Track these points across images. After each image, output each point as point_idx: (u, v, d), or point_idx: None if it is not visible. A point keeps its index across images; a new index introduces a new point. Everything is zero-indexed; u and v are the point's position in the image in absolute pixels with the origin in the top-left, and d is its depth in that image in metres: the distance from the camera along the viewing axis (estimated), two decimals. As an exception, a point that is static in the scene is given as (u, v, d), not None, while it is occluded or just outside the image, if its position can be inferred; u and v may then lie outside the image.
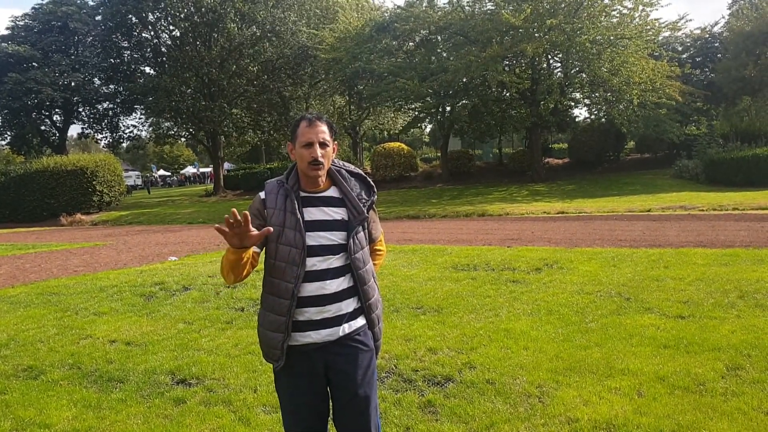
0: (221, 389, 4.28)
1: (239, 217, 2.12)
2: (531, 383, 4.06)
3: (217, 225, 2.15)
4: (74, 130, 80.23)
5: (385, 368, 4.50)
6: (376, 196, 2.50)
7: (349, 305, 2.40)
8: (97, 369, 4.87)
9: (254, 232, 2.18)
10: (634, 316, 5.52)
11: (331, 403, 2.45)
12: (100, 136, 41.40)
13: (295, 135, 2.38)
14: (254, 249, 2.34)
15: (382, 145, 33.77)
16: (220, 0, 31.07)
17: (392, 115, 37.48)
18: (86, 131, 40.92)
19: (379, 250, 2.69)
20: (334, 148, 2.43)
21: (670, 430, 3.32)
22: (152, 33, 34.42)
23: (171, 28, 32.68)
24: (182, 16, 31.28)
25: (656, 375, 4.07)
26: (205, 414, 3.87)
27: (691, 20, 79.30)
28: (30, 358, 5.27)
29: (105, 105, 39.28)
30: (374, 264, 2.61)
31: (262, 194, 2.42)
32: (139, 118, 39.97)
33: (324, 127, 2.37)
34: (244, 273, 2.33)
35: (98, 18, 36.75)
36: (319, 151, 2.33)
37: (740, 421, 3.36)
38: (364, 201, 2.44)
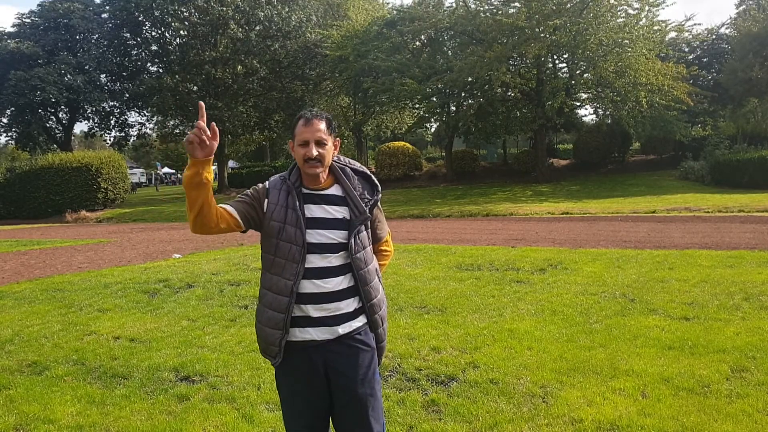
0: (225, 386, 4.29)
1: (208, 131, 2.14)
2: (535, 383, 4.05)
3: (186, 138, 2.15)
4: (81, 128, 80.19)
5: (388, 367, 4.50)
6: (380, 195, 2.47)
7: (350, 305, 2.37)
8: (101, 365, 4.89)
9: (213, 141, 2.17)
10: (639, 318, 5.50)
11: (331, 402, 2.43)
12: (107, 136, 41.45)
13: (294, 133, 2.37)
14: (235, 214, 2.31)
15: (386, 144, 33.77)
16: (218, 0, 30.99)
17: (398, 114, 37.49)
18: (93, 129, 41.01)
19: (386, 251, 2.66)
20: (335, 145, 2.41)
21: (674, 431, 3.31)
22: (160, 30, 34.44)
23: (176, 25, 32.68)
24: (181, 17, 31.26)
25: (661, 376, 4.06)
26: (209, 411, 3.87)
27: (699, 24, 78.97)
28: (34, 354, 5.28)
29: (111, 103, 39.35)
30: (380, 264, 2.58)
31: (267, 183, 2.41)
32: (145, 116, 39.82)
33: (321, 125, 2.33)
34: (207, 211, 2.22)
35: (104, 16, 36.85)
36: (314, 150, 2.30)
37: (745, 423, 3.34)
38: (366, 200, 2.41)
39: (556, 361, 4.45)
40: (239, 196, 2.42)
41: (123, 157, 34.65)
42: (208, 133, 2.15)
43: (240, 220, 2.34)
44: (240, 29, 31.30)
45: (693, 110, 27.22)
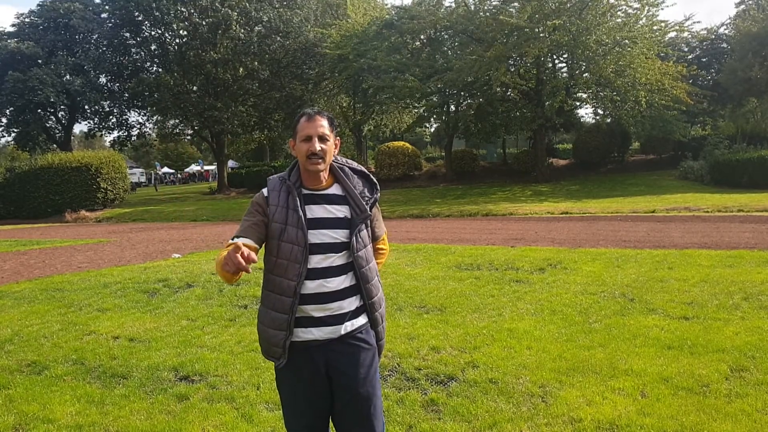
0: (224, 386, 4.29)
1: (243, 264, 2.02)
2: (534, 383, 4.05)
3: (235, 261, 2.01)
4: (81, 129, 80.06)
5: (388, 366, 4.50)
6: (379, 194, 2.49)
7: (351, 303, 2.39)
8: (100, 365, 4.88)
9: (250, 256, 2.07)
10: (638, 317, 5.50)
11: (332, 402, 2.44)
12: (107, 135, 41.45)
13: (295, 131, 2.38)
14: (253, 244, 2.30)
15: (386, 144, 33.76)
16: (221, 1, 30.95)
17: (398, 114, 37.49)
18: (92, 129, 41.00)
19: (382, 249, 2.68)
20: (336, 144, 2.42)
21: (674, 431, 3.31)
22: (160, 30, 34.41)
23: (176, 25, 32.66)
24: (182, 17, 31.20)
25: (660, 376, 4.06)
26: (208, 410, 3.87)
27: (698, 22, 79.12)
28: (34, 354, 5.28)
29: (110, 103, 39.35)
30: (377, 262, 2.59)
31: (264, 191, 2.41)
32: (145, 115, 39.75)
33: (323, 122, 2.35)
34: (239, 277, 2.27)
35: (104, 15, 36.86)
36: (317, 145, 2.31)
37: (744, 423, 3.34)
38: (367, 199, 2.42)
39: (555, 361, 4.45)
40: (245, 217, 2.39)
41: (123, 157, 34.57)
42: (245, 266, 2.01)
43: (258, 246, 2.34)
44: (242, 30, 31.28)
45: (692, 110, 27.25)
